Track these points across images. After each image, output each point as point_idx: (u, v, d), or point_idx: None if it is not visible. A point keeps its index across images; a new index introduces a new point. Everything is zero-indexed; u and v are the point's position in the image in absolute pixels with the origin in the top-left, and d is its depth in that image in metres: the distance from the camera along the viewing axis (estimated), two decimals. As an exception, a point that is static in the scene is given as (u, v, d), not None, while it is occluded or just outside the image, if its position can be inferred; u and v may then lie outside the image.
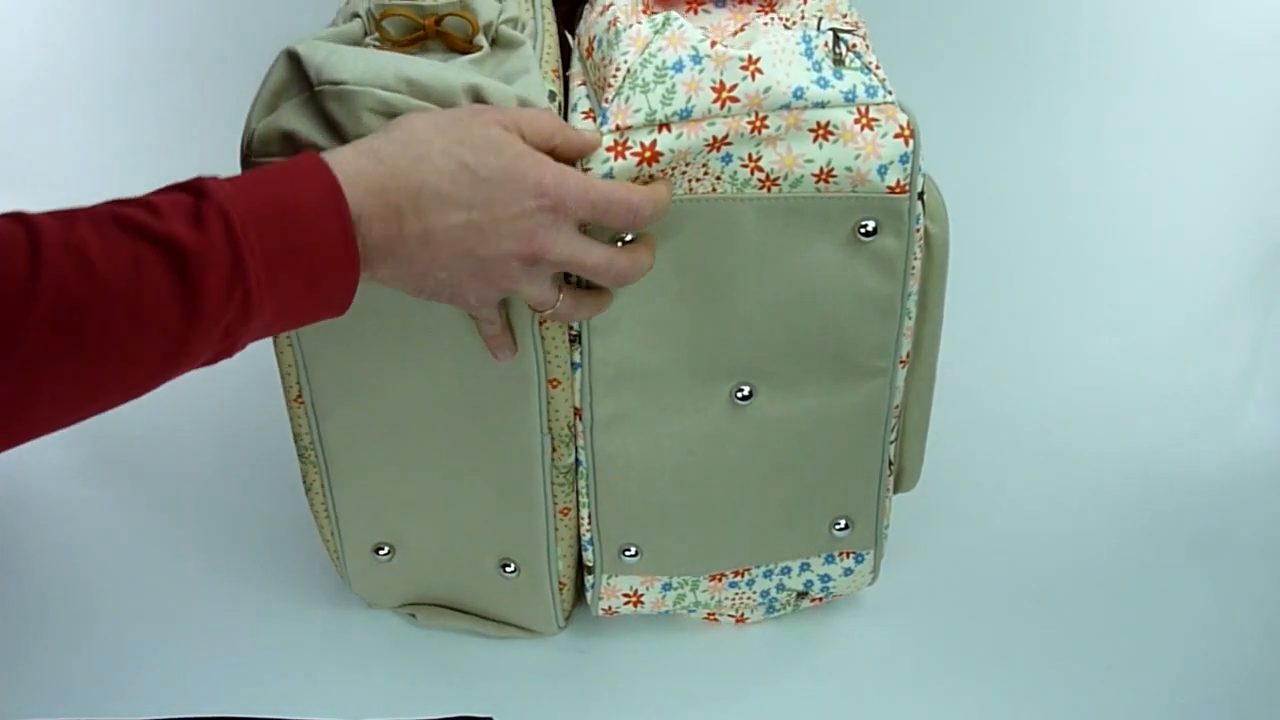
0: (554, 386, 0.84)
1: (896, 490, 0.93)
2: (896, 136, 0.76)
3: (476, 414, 0.84)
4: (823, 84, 0.76)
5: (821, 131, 0.76)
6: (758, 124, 0.75)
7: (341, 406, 0.85)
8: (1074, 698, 0.93)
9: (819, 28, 0.78)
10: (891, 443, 0.88)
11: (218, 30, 1.22)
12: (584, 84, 0.81)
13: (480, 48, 0.79)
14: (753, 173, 0.77)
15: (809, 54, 0.76)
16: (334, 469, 0.89)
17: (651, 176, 0.76)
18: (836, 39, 0.78)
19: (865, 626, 0.99)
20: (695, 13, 0.86)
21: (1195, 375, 1.19)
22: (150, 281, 0.59)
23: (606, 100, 0.76)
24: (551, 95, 0.79)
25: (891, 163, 0.77)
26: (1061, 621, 0.99)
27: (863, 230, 0.78)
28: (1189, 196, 1.29)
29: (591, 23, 0.83)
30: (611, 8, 0.81)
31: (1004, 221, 1.26)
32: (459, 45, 0.79)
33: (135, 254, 0.58)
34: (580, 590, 0.99)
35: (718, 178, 0.77)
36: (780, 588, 0.97)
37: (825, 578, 0.96)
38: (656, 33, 0.76)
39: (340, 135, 0.72)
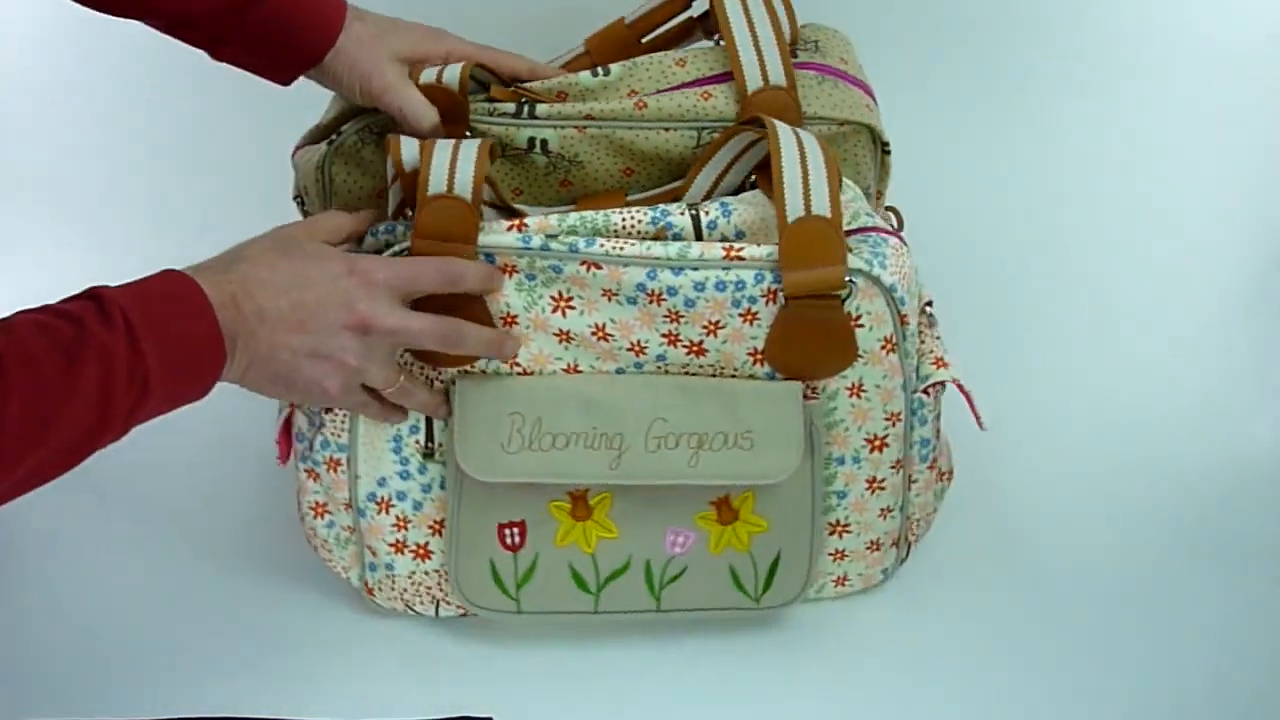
0: None
1: None
2: None
3: None
4: None
5: None
6: None
7: None
8: (1076, 697, 0.95)
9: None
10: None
11: None
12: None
13: None
14: None
15: None
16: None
17: None
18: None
19: (864, 626, 1.01)
20: None
21: (1200, 380, 1.20)
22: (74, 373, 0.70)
23: None
24: None
25: None
26: (1064, 622, 1.01)
27: None
28: (1194, 201, 1.30)
29: None
30: None
31: (1007, 227, 1.27)
32: None
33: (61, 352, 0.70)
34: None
35: None
36: None
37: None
38: None
39: None
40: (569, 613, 0.97)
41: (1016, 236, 1.28)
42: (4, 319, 0.71)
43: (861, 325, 0.90)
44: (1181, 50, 1.32)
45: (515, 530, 0.95)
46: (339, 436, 0.94)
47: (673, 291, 0.88)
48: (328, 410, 0.93)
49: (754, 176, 0.95)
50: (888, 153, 0.99)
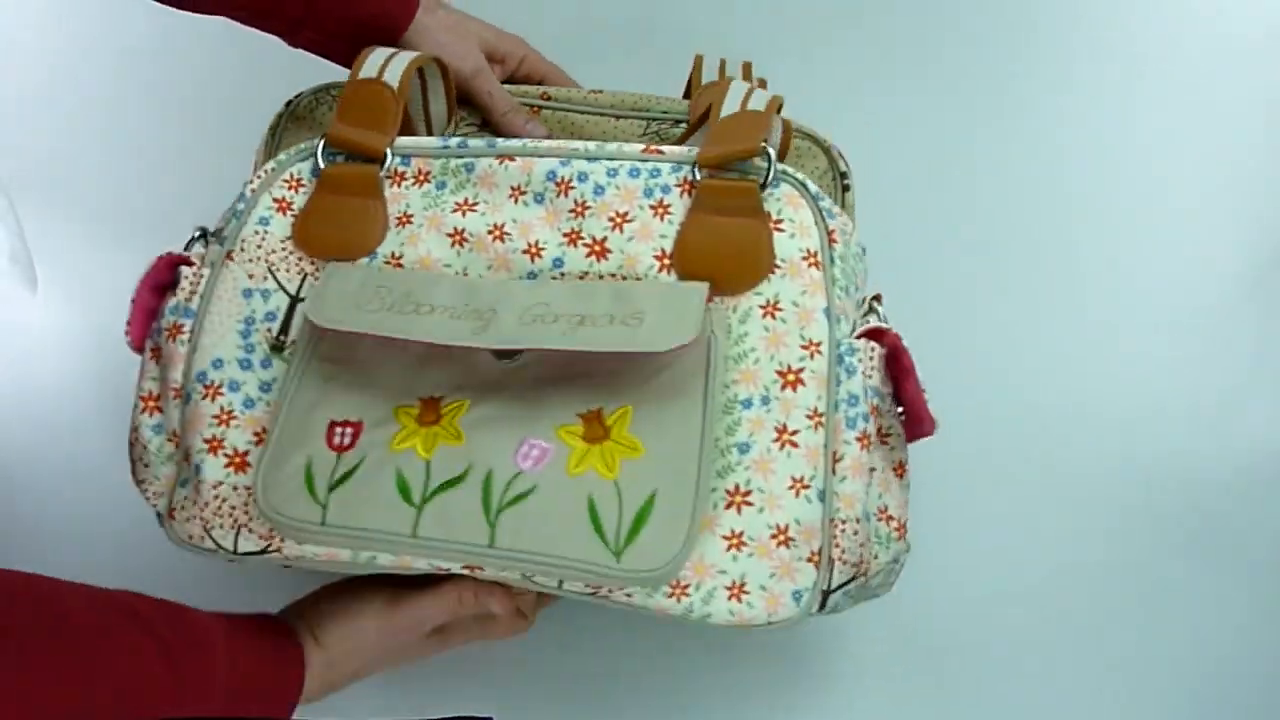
0: None
1: None
2: None
3: None
4: None
5: None
6: None
7: None
8: (1073, 699, 0.95)
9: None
10: None
11: (217, 29, 1.28)
12: None
13: None
14: None
15: None
16: None
17: None
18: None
19: (863, 625, 0.98)
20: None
21: (1196, 379, 1.16)
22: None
23: None
24: None
25: None
26: (1060, 624, 1.00)
27: None
28: (1190, 199, 1.26)
29: None
30: None
31: (1001, 224, 1.22)
32: None
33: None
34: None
35: None
36: None
37: None
38: None
39: None
40: (379, 534, 0.76)
41: (1012, 235, 1.22)
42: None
43: (782, 229, 0.81)
44: (1180, 46, 1.31)
45: (349, 430, 0.80)
46: (189, 301, 0.85)
47: (583, 178, 0.83)
48: (186, 263, 0.85)
49: None
50: (847, 189, 0.94)
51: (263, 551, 0.80)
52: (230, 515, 0.80)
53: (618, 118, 0.97)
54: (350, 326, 0.78)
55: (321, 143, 0.86)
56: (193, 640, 0.75)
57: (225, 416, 0.81)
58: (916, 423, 0.80)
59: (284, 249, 0.84)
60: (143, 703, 0.71)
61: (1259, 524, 1.05)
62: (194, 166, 1.27)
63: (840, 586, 0.78)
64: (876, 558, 0.80)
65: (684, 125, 0.96)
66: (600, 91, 0.98)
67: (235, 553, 0.80)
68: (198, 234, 0.88)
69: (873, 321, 0.82)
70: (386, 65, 0.89)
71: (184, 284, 0.84)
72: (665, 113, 0.97)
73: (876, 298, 0.85)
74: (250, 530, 0.80)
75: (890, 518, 0.81)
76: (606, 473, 0.75)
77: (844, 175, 0.93)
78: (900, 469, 0.83)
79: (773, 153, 0.81)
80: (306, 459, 0.78)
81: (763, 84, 0.98)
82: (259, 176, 0.87)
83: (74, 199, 1.28)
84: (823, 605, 0.78)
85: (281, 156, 0.88)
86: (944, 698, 0.94)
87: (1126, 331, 1.18)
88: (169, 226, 1.05)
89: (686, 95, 1.01)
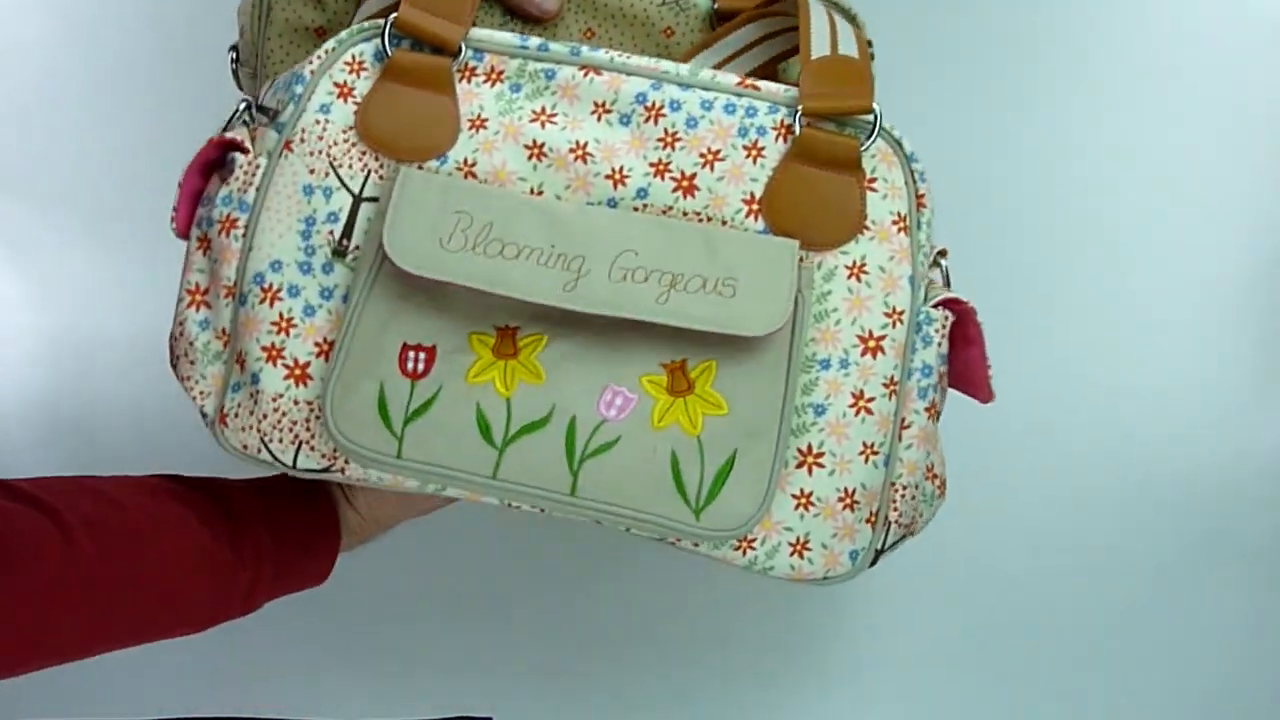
0: None
1: None
2: None
3: None
4: None
5: None
6: None
7: None
8: (1074, 696, 0.96)
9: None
10: None
11: (219, 28, 1.21)
12: None
13: None
14: None
15: None
16: None
17: None
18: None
19: (863, 624, 0.99)
20: None
21: (1199, 376, 1.18)
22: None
23: None
24: None
25: None
26: (1062, 620, 1.00)
27: None
28: (1193, 197, 1.27)
29: None
30: None
31: (1004, 223, 1.24)
32: None
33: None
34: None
35: None
36: None
37: None
38: None
39: None
40: (458, 474, 0.75)
41: (1012, 235, 1.24)
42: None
43: (875, 189, 0.80)
44: (1181, 46, 1.31)
45: (422, 355, 0.77)
46: (244, 192, 0.79)
47: (676, 106, 0.79)
48: (239, 149, 0.79)
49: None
50: (871, 58, 0.88)
51: (324, 470, 0.78)
52: (291, 430, 0.78)
53: None
54: (435, 274, 0.75)
55: (388, 25, 0.80)
56: (237, 513, 0.82)
57: (285, 324, 0.78)
58: (975, 389, 0.83)
59: (346, 141, 0.79)
60: (203, 569, 0.79)
61: (1261, 523, 1.08)
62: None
63: (892, 545, 0.81)
64: (923, 516, 0.84)
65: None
66: None
67: (294, 467, 0.78)
68: (243, 105, 0.82)
69: (937, 278, 0.83)
70: None
71: (239, 173, 0.79)
72: None
73: (942, 252, 0.85)
74: (312, 449, 0.78)
75: (934, 475, 0.84)
76: (690, 428, 0.76)
77: (869, 44, 0.89)
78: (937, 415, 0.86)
79: (879, 109, 0.79)
80: (379, 384, 0.75)
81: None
82: (319, 57, 0.80)
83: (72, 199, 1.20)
84: (873, 562, 0.81)
85: (342, 35, 0.81)
86: (944, 697, 0.95)
87: (1127, 332, 1.19)
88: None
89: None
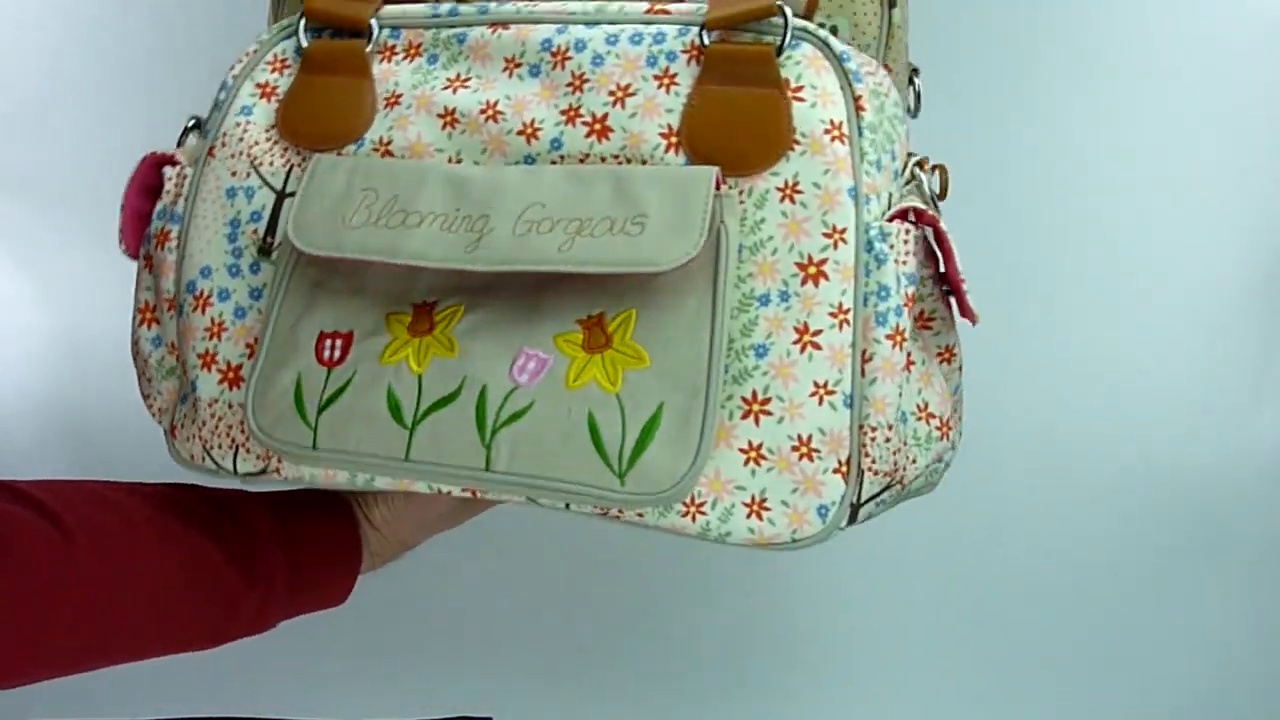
0: None
1: None
2: None
3: None
4: None
5: None
6: None
7: None
8: (1073, 695, 0.94)
9: None
10: None
11: (219, 28, 1.25)
12: None
13: None
14: None
15: None
16: None
17: None
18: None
19: (862, 622, 0.98)
20: None
21: (1200, 377, 1.17)
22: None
23: None
24: None
25: None
26: (1063, 620, 0.99)
27: None
28: (1195, 197, 1.25)
29: None
30: None
31: (1007, 223, 1.22)
32: None
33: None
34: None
35: None
36: None
37: None
38: None
39: None
40: (371, 457, 0.71)
41: (1012, 233, 1.22)
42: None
43: (802, 98, 0.71)
44: (1181, 46, 1.29)
45: (339, 342, 0.74)
46: (175, 204, 0.79)
47: (580, 46, 0.74)
48: (170, 163, 0.80)
49: None
50: (894, 4, 0.82)
51: (262, 472, 0.76)
52: (228, 434, 0.76)
53: None
54: (332, 251, 0.72)
55: (300, 18, 0.79)
56: (252, 530, 0.81)
57: (216, 328, 0.77)
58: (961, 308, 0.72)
59: (268, 139, 0.78)
60: (204, 583, 0.78)
61: (1260, 522, 1.05)
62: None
63: (872, 498, 0.71)
64: (914, 462, 0.73)
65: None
66: None
67: (235, 473, 0.77)
68: (191, 124, 0.82)
69: (912, 193, 0.73)
70: None
71: (169, 186, 0.80)
72: None
73: (920, 163, 0.75)
74: (248, 450, 0.76)
75: (931, 415, 0.73)
76: (608, 385, 0.69)
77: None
78: (948, 354, 0.76)
79: (789, 10, 0.70)
80: (296, 375, 0.73)
81: None
82: (240, 60, 0.80)
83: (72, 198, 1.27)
84: (853, 518, 0.71)
85: (263, 35, 0.81)
86: (945, 697, 0.95)
87: (1127, 331, 1.17)
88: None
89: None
